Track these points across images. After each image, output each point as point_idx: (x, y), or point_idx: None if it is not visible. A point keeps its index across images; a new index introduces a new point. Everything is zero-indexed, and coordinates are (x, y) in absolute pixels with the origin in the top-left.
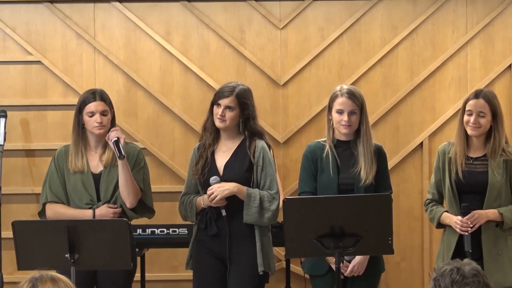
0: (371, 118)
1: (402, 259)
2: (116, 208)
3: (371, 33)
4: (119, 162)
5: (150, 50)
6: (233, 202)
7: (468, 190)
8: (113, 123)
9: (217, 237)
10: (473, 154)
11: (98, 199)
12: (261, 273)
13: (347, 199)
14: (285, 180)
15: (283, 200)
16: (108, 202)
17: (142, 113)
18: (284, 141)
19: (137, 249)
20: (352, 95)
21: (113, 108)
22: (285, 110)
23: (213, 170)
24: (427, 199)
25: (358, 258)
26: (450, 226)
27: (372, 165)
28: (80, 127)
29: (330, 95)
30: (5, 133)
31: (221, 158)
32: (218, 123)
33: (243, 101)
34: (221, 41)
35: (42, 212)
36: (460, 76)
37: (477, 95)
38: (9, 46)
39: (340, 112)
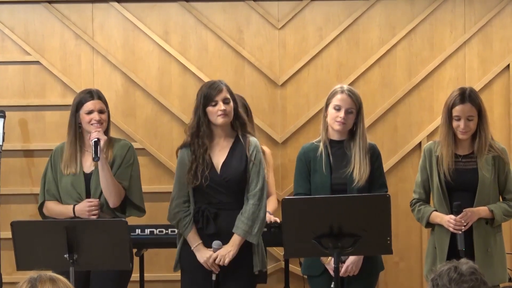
0: (369, 118)
1: (400, 259)
2: (97, 201)
3: (369, 33)
4: (98, 163)
5: (149, 50)
6: (223, 203)
7: (458, 188)
8: (108, 123)
9: (214, 237)
10: (461, 152)
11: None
12: (256, 273)
13: (345, 199)
14: (283, 180)
15: (282, 200)
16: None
17: (140, 113)
18: (283, 141)
19: (136, 250)
20: (352, 94)
21: (108, 107)
22: (284, 110)
23: (211, 170)
24: (414, 199)
25: (352, 257)
26: (439, 225)
27: (366, 167)
28: (76, 127)
29: (330, 93)
30: (3, 133)
31: (217, 157)
32: (221, 120)
33: (231, 91)
34: (219, 41)
35: (40, 208)
36: (458, 76)
37: (462, 99)
38: (7, 46)
39: (337, 108)
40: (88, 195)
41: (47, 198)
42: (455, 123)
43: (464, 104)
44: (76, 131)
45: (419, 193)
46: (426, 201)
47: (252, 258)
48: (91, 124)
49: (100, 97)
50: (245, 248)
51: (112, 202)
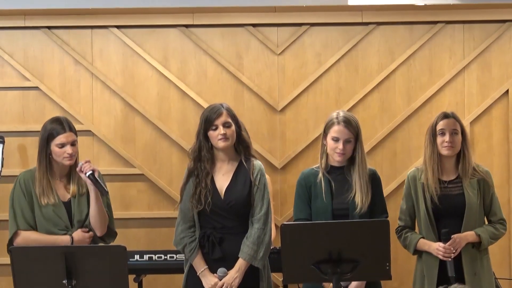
0: (369, 144)
1: (400, 285)
2: (87, 231)
3: (368, 59)
4: (93, 194)
5: (148, 76)
6: (228, 227)
7: (445, 214)
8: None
9: (221, 261)
10: (446, 177)
11: (71, 226)
12: None
13: (344, 224)
14: (282, 206)
15: (281, 226)
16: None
17: (139, 139)
18: (282, 166)
19: (134, 275)
20: (349, 124)
21: (77, 135)
22: (283, 136)
23: (215, 195)
24: (399, 226)
25: (354, 282)
26: (427, 252)
27: (368, 193)
28: (47, 158)
29: (326, 121)
30: (2, 158)
31: (221, 181)
32: (222, 144)
33: (233, 114)
34: (218, 66)
35: (10, 242)
36: (457, 102)
37: (446, 115)
38: (7, 71)
39: (335, 139)
40: (70, 224)
41: (24, 227)
42: (439, 139)
43: (448, 119)
44: (47, 161)
45: (404, 220)
46: (412, 228)
47: (258, 283)
48: (64, 158)
49: (71, 128)
50: (252, 272)
51: (101, 231)
